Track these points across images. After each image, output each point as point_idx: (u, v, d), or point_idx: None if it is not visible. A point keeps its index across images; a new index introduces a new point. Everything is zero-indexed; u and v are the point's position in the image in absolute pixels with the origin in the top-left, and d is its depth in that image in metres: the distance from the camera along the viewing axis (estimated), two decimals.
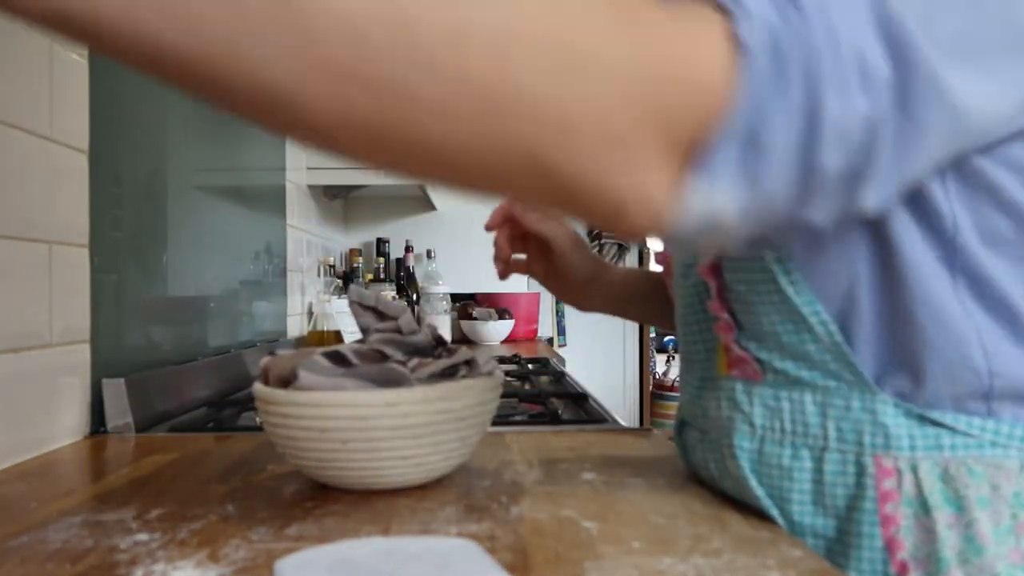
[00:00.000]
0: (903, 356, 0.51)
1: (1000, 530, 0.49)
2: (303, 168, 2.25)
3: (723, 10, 0.37)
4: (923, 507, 0.50)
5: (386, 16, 0.32)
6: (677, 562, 0.49)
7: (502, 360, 1.99)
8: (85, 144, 0.96)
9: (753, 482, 0.57)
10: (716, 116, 0.36)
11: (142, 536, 0.54)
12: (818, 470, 0.54)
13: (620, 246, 3.65)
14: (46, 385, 0.87)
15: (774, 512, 0.57)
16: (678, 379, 0.80)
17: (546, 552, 0.51)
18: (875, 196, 0.40)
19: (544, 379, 1.62)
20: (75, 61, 0.94)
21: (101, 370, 0.99)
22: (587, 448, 0.84)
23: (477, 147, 0.35)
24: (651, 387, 4.12)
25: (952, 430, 0.50)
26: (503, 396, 1.22)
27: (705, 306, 0.63)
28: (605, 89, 0.34)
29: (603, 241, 3.63)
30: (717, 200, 0.38)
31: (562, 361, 2.28)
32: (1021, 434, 0.50)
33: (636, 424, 3.81)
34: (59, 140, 0.90)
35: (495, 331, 2.80)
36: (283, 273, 1.98)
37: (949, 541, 0.49)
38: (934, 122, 0.39)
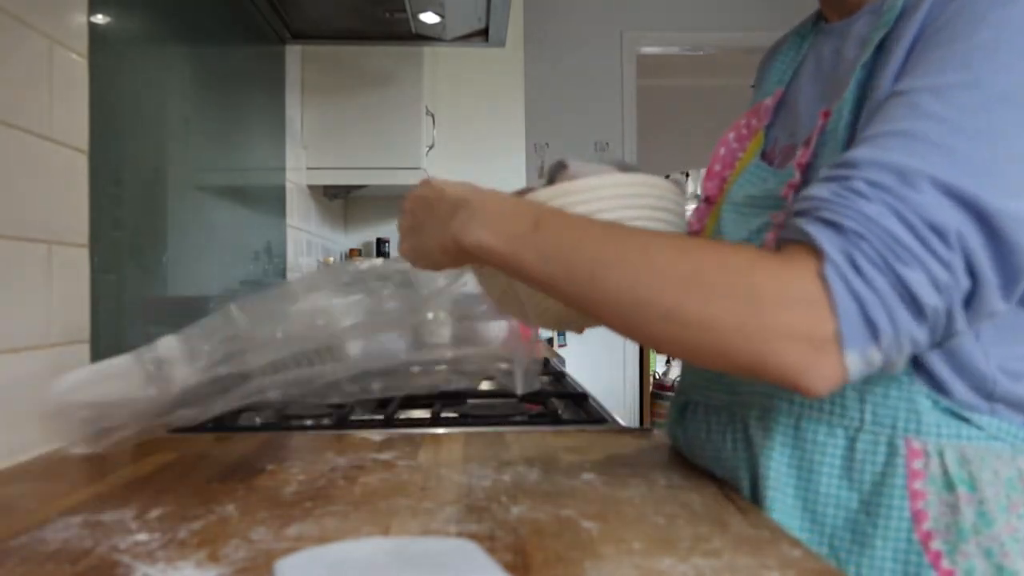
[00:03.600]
0: (934, 366, 0.60)
1: (1000, 507, 0.58)
2: (303, 168, 2.25)
3: (814, 252, 0.52)
4: (947, 485, 0.59)
5: (685, 273, 0.54)
6: (677, 562, 0.49)
7: (502, 360, 1.99)
8: (85, 144, 0.96)
9: (776, 453, 0.64)
10: (833, 322, 0.51)
11: (142, 536, 0.54)
12: (850, 448, 0.62)
13: None
14: (46, 385, 0.87)
15: (781, 482, 0.63)
16: (679, 376, 0.81)
17: (546, 552, 0.51)
18: (969, 323, 0.53)
19: (544, 379, 1.62)
20: (75, 61, 0.94)
21: None
22: (587, 448, 0.84)
23: (712, 349, 0.54)
24: (651, 387, 4.12)
25: (969, 423, 0.60)
26: (503, 396, 1.22)
27: None
28: (772, 318, 0.52)
29: None
30: (865, 360, 0.52)
31: (562, 361, 2.28)
32: (1013, 430, 0.61)
33: (636, 424, 3.81)
34: (59, 140, 0.90)
35: (495, 331, 2.80)
36: (283, 273, 1.98)
37: (967, 515, 0.58)
38: (1012, 267, 0.52)
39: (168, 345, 0.73)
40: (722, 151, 0.81)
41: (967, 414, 0.60)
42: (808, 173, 0.64)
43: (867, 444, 0.61)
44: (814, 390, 0.53)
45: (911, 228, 0.51)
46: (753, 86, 0.88)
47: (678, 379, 0.82)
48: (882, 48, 0.63)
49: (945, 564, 0.58)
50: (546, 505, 0.61)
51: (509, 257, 0.60)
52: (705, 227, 0.79)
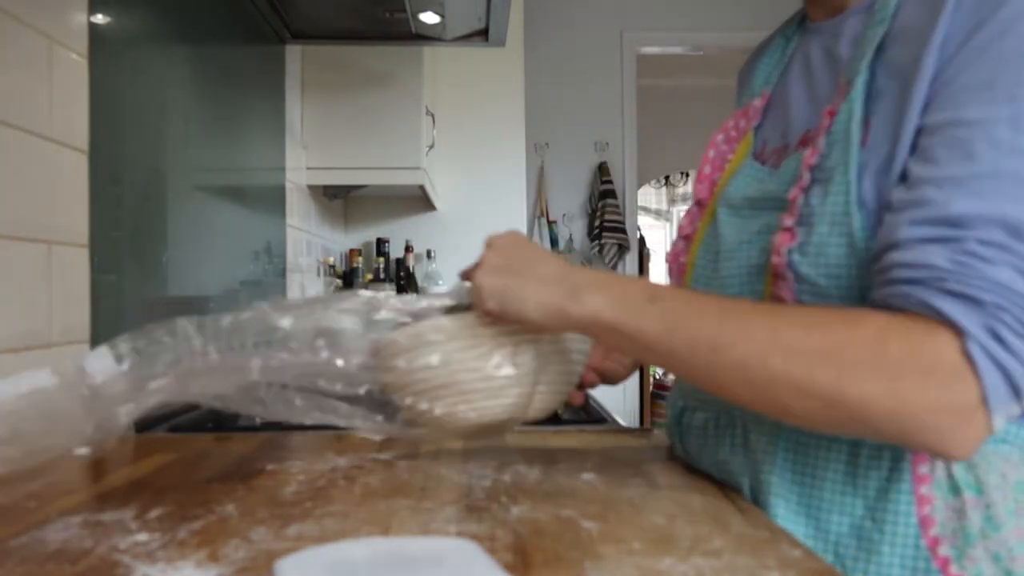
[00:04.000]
0: None
1: (1007, 511, 0.58)
2: (303, 168, 2.25)
3: (952, 328, 0.52)
4: (953, 490, 0.59)
5: (817, 349, 0.54)
6: (677, 562, 0.49)
7: None
8: (85, 144, 0.96)
9: (779, 459, 0.64)
10: (978, 392, 0.51)
11: (142, 536, 0.54)
12: (854, 453, 0.61)
13: (620, 246, 3.65)
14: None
15: (783, 490, 0.63)
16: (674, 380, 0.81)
17: (546, 552, 0.51)
18: None
19: None
20: (75, 61, 0.94)
21: None
22: (587, 448, 0.84)
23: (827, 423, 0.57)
24: (651, 387, 4.12)
25: None
26: None
27: (752, 293, 0.68)
28: (917, 395, 0.52)
29: (603, 241, 3.63)
30: (1007, 417, 0.52)
31: None
32: (1021, 433, 0.60)
33: (636, 424, 3.81)
34: (59, 140, 0.90)
35: None
36: (283, 273, 1.98)
37: (974, 519, 0.58)
38: None
39: (103, 367, 0.63)
40: (711, 153, 0.80)
41: None
42: (815, 173, 0.63)
43: (871, 449, 0.61)
44: (959, 455, 0.53)
45: None
46: (741, 90, 0.88)
47: (673, 382, 0.82)
48: (881, 47, 0.62)
49: (953, 570, 0.58)
50: (546, 505, 0.61)
51: (631, 327, 0.60)
52: (698, 230, 0.78)
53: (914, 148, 0.57)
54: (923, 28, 0.58)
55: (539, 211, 3.84)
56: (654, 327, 0.59)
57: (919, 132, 0.57)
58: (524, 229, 3.12)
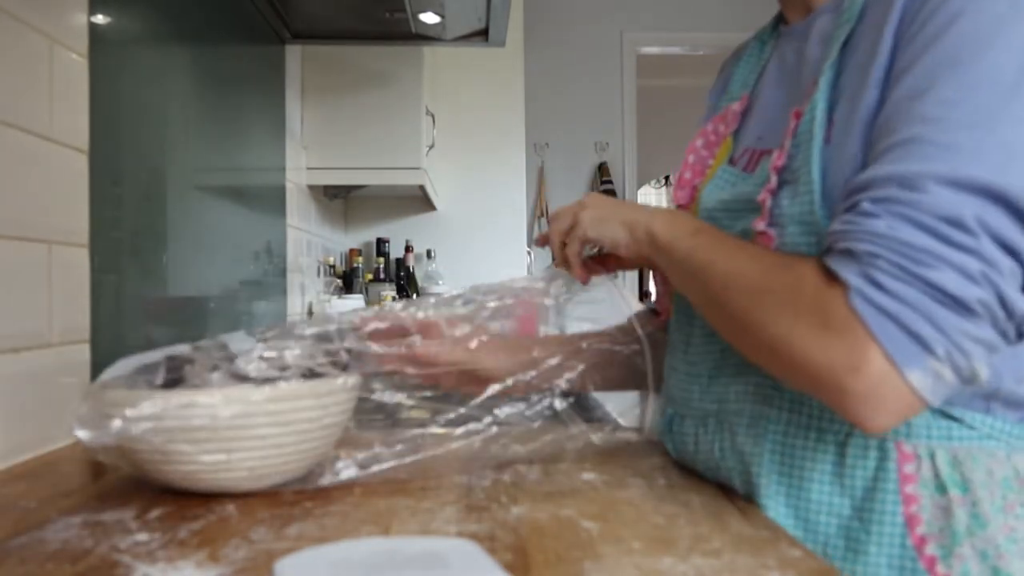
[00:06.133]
0: None
1: (995, 508, 0.58)
2: (303, 168, 2.25)
3: (840, 284, 0.52)
4: (939, 488, 0.59)
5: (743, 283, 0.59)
6: (677, 562, 0.49)
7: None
8: (85, 144, 0.96)
9: (767, 461, 0.64)
10: (875, 346, 0.50)
11: (142, 536, 0.54)
12: (840, 453, 0.61)
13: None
14: (46, 385, 0.87)
15: (771, 490, 0.63)
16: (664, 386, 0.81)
17: (546, 552, 0.51)
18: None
19: None
20: (75, 61, 0.94)
21: (101, 370, 0.99)
22: (587, 448, 0.84)
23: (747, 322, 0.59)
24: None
25: (960, 423, 0.59)
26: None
27: None
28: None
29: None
30: (933, 376, 0.50)
31: None
32: (1008, 428, 0.60)
33: (636, 424, 3.80)
34: (59, 140, 0.90)
35: (495, 330, 2.80)
36: (283, 273, 1.98)
37: (960, 517, 0.58)
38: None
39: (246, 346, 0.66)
40: (691, 159, 0.80)
41: (959, 414, 0.59)
42: (784, 175, 0.64)
43: (857, 449, 0.61)
44: (881, 422, 0.52)
45: (926, 229, 0.50)
46: (716, 93, 0.88)
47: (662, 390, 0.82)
48: (848, 45, 0.63)
49: (940, 569, 0.58)
50: (546, 505, 0.62)
51: (674, 249, 0.66)
52: None
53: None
54: (880, 22, 0.60)
55: (539, 211, 3.84)
56: (693, 254, 0.65)
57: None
58: (524, 229, 3.12)
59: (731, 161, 0.75)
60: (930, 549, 0.58)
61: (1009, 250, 0.50)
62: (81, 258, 0.95)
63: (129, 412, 0.59)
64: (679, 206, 0.80)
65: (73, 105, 0.94)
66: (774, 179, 0.64)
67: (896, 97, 0.56)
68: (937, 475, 0.59)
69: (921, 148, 0.52)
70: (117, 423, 0.59)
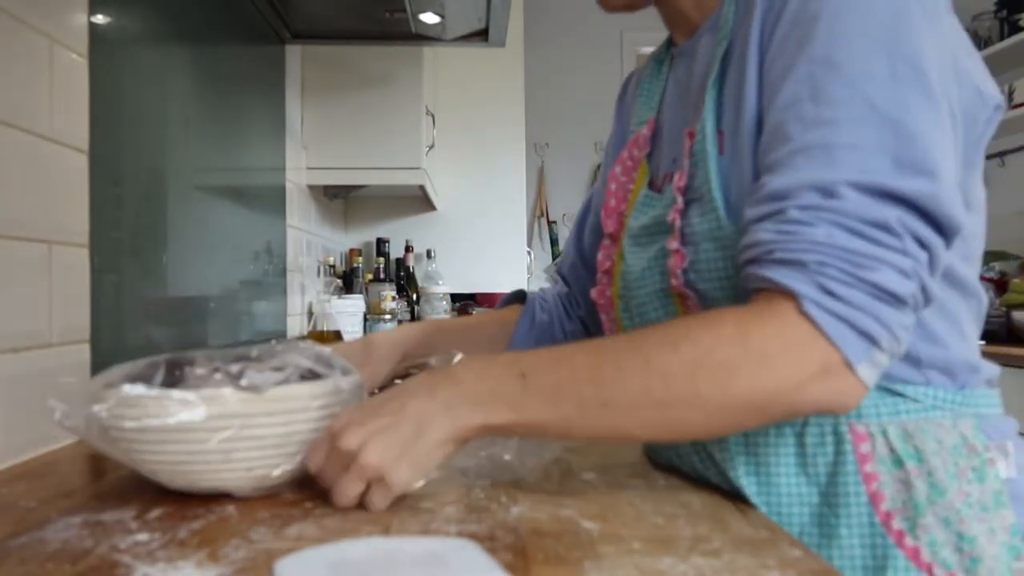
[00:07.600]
0: None
1: (949, 475, 0.61)
2: (303, 168, 2.25)
3: (786, 295, 0.54)
4: (896, 462, 0.61)
5: (690, 362, 0.55)
6: (677, 562, 0.49)
7: None
8: (85, 144, 0.96)
9: (735, 463, 0.65)
10: (834, 349, 0.53)
11: (142, 536, 0.54)
12: (800, 444, 0.64)
13: None
14: (46, 385, 0.87)
15: (751, 490, 0.64)
16: None
17: (546, 552, 0.51)
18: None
19: None
20: (75, 61, 0.94)
21: (101, 370, 0.99)
22: (587, 448, 0.84)
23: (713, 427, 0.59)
24: None
25: (905, 397, 0.62)
26: None
27: (668, 315, 0.70)
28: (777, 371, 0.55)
29: None
30: (874, 365, 0.54)
31: None
32: (950, 397, 0.63)
33: None
34: (59, 140, 0.90)
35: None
36: (283, 273, 1.98)
37: (919, 488, 0.60)
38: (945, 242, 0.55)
39: None
40: (613, 186, 0.81)
41: (901, 388, 0.62)
42: (689, 194, 0.66)
43: (815, 437, 0.63)
44: (846, 408, 0.56)
45: (859, 235, 0.53)
46: (632, 116, 0.87)
47: None
48: (726, 60, 0.66)
49: (909, 542, 0.60)
50: (546, 505, 0.62)
51: (522, 423, 0.58)
52: (614, 263, 0.79)
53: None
54: (746, 32, 0.63)
55: (539, 211, 3.84)
56: (538, 410, 0.57)
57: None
58: (524, 229, 3.12)
59: (651, 185, 0.76)
60: (897, 523, 0.60)
61: (924, 245, 0.54)
62: (81, 258, 0.95)
63: (96, 407, 0.60)
64: (608, 234, 0.80)
65: (73, 105, 0.94)
66: (680, 199, 0.66)
67: (782, 103, 0.58)
68: (892, 450, 0.61)
69: (826, 153, 0.55)
70: (91, 410, 0.60)
